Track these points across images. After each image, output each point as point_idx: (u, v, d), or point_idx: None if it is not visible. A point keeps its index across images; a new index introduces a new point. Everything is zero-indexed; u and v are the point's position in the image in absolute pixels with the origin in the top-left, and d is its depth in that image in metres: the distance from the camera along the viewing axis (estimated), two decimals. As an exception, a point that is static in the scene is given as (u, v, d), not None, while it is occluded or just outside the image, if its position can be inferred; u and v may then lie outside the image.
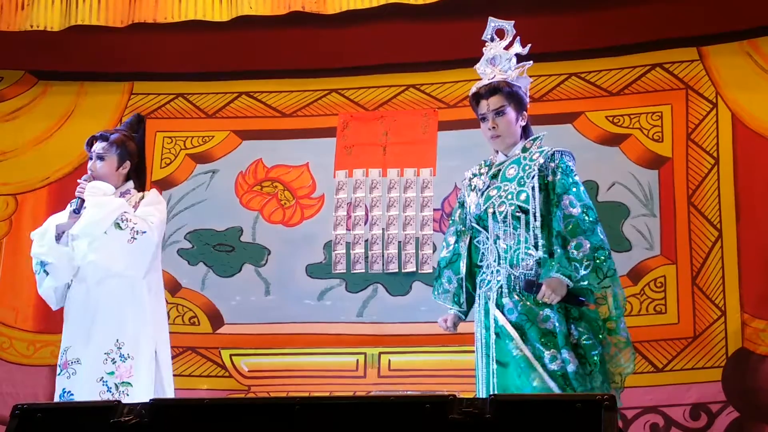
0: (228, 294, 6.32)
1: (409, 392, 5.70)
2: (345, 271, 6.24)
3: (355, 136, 6.47)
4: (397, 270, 6.16)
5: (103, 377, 4.33)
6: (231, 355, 6.19)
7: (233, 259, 6.36)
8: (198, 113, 6.69)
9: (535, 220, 3.95)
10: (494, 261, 4.04)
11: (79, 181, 4.55)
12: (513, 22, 4.33)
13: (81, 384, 4.28)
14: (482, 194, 4.12)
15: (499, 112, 4.12)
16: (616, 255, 5.91)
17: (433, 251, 6.13)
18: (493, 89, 4.15)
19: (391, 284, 6.14)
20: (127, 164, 4.65)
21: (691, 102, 6.10)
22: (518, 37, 4.31)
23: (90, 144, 4.65)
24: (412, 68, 6.49)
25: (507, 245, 4.00)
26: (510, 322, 3.94)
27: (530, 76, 4.34)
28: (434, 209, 6.24)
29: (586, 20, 6.15)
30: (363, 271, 6.21)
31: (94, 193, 4.50)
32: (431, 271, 6.04)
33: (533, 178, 4.00)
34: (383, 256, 6.19)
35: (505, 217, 4.00)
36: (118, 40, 6.38)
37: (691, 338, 5.75)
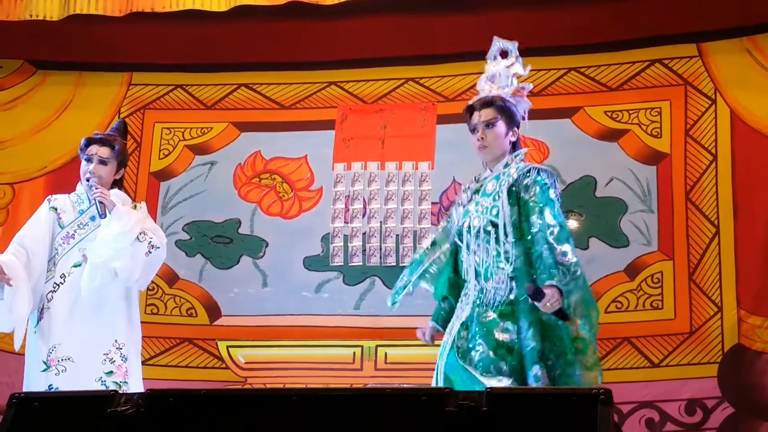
0: (226, 286, 6.32)
1: (405, 385, 5.71)
2: (342, 263, 6.24)
3: (354, 129, 6.47)
4: (394, 263, 6.16)
5: (101, 377, 4.35)
6: (228, 347, 6.19)
7: (231, 251, 6.37)
8: (197, 104, 6.68)
9: (506, 235, 3.96)
10: (472, 276, 4.05)
11: (95, 186, 4.50)
12: (517, 43, 4.31)
13: (74, 382, 4.28)
14: (463, 209, 4.16)
15: (489, 124, 4.14)
16: (613, 250, 5.98)
17: (431, 245, 6.13)
18: (486, 102, 4.18)
19: (389, 277, 6.14)
20: (122, 171, 4.68)
21: (689, 98, 6.11)
22: (520, 59, 4.29)
23: (86, 145, 4.62)
24: (411, 61, 6.48)
25: (480, 259, 4.02)
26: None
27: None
28: (432, 202, 6.24)
29: (586, 15, 6.15)
30: (360, 263, 6.21)
31: (123, 201, 4.56)
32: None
33: (504, 192, 4.01)
34: (381, 249, 6.19)
35: (479, 231, 4.03)
36: (117, 31, 6.37)
37: (687, 334, 5.76)
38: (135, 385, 4.42)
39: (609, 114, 6.20)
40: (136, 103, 6.70)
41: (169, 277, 6.25)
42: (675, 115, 6.10)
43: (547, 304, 3.77)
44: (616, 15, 6.14)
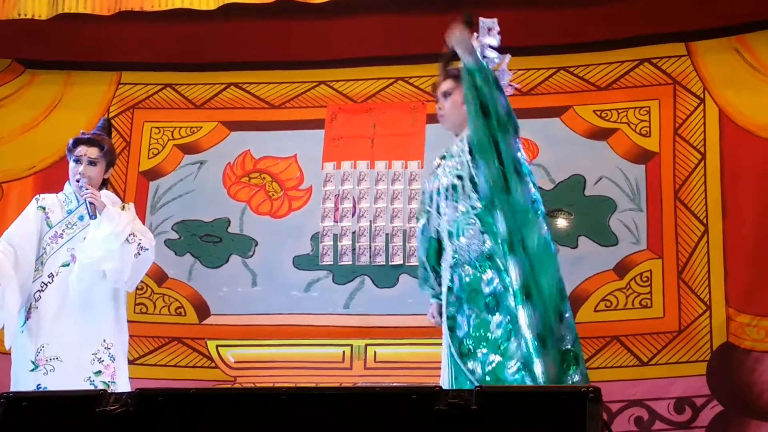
0: (215, 285, 6.31)
1: (395, 384, 5.71)
2: (332, 262, 6.24)
3: (344, 128, 6.46)
4: (384, 262, 6.16)
5: (90, 377, 4.36)
6: (217, 346, 6.18)
7: (220, 250, 6.36)
8: (186, 104, 6.67)
9: (471, 184, 3.99)
10: (446, 237, 4.09)
11: (86, 187, 4.48)
12: (496, 19, 4.34)
13: (62, 382, 4.28)
14: (433, 176, 4.24)
15: (446, 94, 4.24)
16: (602, 249, 5.99)
17: (421, 244, 6.14)
18: (446, 75, 4.26)
19: (378, 276, 6.15)
20: (110, 171, 4.67)
21: (678, 97, 6.12)
22: (492, 31, 4.31)
23: (74, 146, 4.60)
24: (401, 61, 6.48)
25: (450, 217, 4.06)
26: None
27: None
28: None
29: (575, 14, 6.16)
30: (350, 263, 6.21)
31: (113, 202, 4.55)
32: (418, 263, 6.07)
33: (467, 149, 4.05)
34: (370, 248, 6.19)
35: (447, 189, 4.09)
36: (106, 30, 6.35)
37: (676, 332, 5.78)
38: (122, 385, 4.42)
39: (598, 113, 6.21)
40: (125, 103, 6.69)
41: (158, 276, 6.24)
42: (664, 114, 6.12)
43: None
44: (605, 14, 6.15)
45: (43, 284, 4.45)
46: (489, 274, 3.93)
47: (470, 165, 4.02)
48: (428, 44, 6.37)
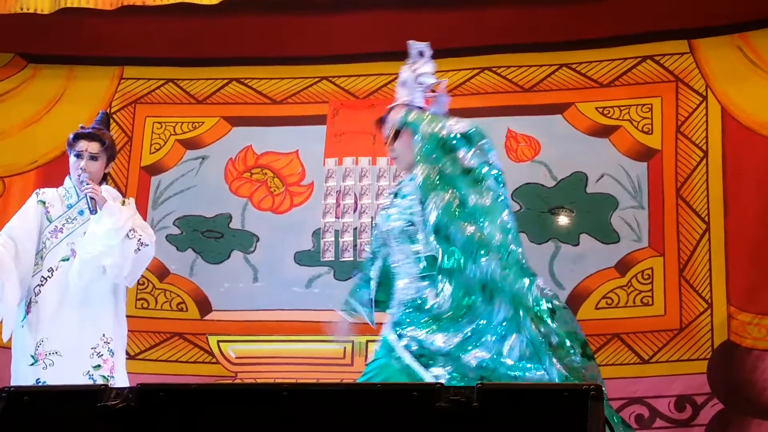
0: (216, 280, 6.32)
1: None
2: (333, 259, 6.24)
3: (345, 124, 6.46)
4: (385, 259, 6.16)
5: (89, 371, 4.37)
6: (218, 342, 6.19)
7: (222, 245, 6.36)
8: (188, 99, 6.67)
9: (420, 233, 3.86)
10: (395, 276, 4.00)
11: (86, 182, 4.48)
12: (428, 43, 4.25)
13: (61, 376, 4.29)
14: (386, 213, 4.09)
15: (396, 134, 4.03)
16: (604, 247, 5.99)
17: (422, 240, 6.14)
18: (388, 114, 4.09)
19: (380, 273, 6.14)
20: (110, 165, 4.68)
21: (681, 95, 6.12)
22: (425, 54, 4.23)
23: (75, 140, 4.59)
24: (403, 57, 6.44)
25: (398, 259, 3.96)
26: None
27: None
28: (423, 198, 6.23)
29: (577, 11, 6.16)
30: (351, 259, 6.21)
31: (114, 198, 4.55)
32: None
33: (418, 193, 3.87)
34: (372, 244, 6.19)
35: (397, 232, 3.96)
36: (108, 25, 6.35)
37: (677, 330, 5.77)
38: (120, 380, 4.43)
39: (600, 110, 6.21)
40: (127, 98, 6.68)
41: (160, 271, 6.24)
42: (666, 111, 6.11)
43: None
44: (607, 11, 6.15)
45: (42, 278, 4.45)
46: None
47: (418, 211, 3.88)
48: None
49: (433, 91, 4.16)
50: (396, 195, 4.09)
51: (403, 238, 3.93)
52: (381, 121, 4.14)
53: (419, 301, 3.82)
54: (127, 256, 4.44)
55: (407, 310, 3.84)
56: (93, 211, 4.45)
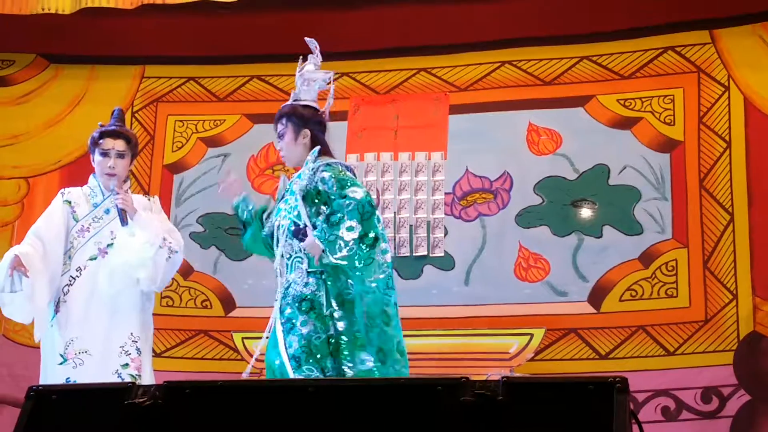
0: (240, 277, 6.33)
1: (420, 375, 5.71)
2: (356, 254, 6.23)
3: (366, 120, 6.46)
4: (408, 253, 6.16)
5: (117, 370, 4.39)
6: (243, 339, 6.20)
7: (245, 242, 6.37)
8: (209, 97, 6.69)
9: (305, 234, 4.13)
10: (282, 271, 4.25)
11: (116, 192, 4.49)
12: (314, 40, 4.48)
13: (90, 375, 4.31)
14: (277, 206, 4.34)
15: (280, 136, 4.36)
16: (627, 238, 5.97)
17: (444, 235, 6.14)
18: (278, 116, 4.41)
19: (403, 268, 6.14)
20: (133, 162, 4.69)
21: (703, 85, 6.09)
22: (315, 50, 4.48)
23: (100, 138, 4.60)
24: (423, 52, 6.47)
25: (287, 254, 4.21)
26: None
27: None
28: (445, 193, 6.24)
29: (598, 3, 6.14)
30: (374, 254, 6.20)
31: (144, 207, 4.59)
32: (443, 254, 6.06)
33: (300, 195, 4.18)
34: (395, 239, 6.19)
35: (286, 229, 4.20)
36: (129, 24, 6.38)
37: (702, 322, 5.75)
38: (147, 378, 4.45)
39: (622, 102, 6.19)
40: (149, 96, 6.71)
41: (184, 269, 6.25)
42: (688, 102, 6.09)
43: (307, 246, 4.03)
44: (628, 2, 6.13)
45: (71, 278, 4.47)
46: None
47: (304, 212, 4.17)
48: (450, 35, 6.41)
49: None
50: (288, 190, 4.33)
51: (288, 235, 4.19)
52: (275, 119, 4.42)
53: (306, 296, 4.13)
54: (159, 266, 4.46)
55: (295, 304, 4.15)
56: (124, 223, 4.45)
